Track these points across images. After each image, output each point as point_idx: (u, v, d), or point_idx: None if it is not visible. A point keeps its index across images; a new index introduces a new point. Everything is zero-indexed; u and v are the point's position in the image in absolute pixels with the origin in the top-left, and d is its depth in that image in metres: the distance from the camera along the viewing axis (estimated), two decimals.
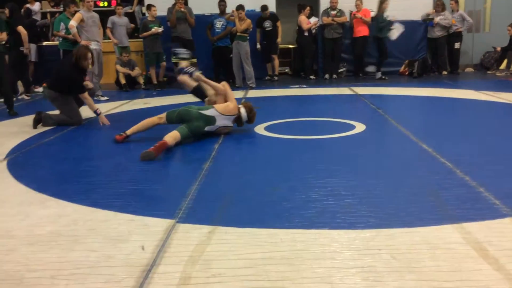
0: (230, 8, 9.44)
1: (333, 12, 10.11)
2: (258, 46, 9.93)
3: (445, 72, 10.22)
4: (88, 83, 6.05)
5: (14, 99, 7.45)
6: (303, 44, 10.20)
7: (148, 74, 9.89)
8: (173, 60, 9.44)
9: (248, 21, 9.06)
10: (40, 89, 9.16)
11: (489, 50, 10.73)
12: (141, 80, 9.56)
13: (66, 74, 5.71)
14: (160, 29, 9.08)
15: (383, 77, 9.69)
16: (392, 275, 2.08)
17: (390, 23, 9.58)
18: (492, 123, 5.38)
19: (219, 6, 9.71)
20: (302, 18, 9.97)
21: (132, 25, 10.19)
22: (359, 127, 5.14)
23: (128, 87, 9.26)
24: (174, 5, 9.43)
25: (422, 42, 10.49)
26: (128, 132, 4.83)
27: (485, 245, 2.32)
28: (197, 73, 5.53)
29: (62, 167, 4.07)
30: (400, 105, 6.81)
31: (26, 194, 3.34)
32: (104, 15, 11.43)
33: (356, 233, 2.50)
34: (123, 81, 9.26)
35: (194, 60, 9.33)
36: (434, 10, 10.14)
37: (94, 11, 10.73)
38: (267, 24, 9.82)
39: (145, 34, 9.17)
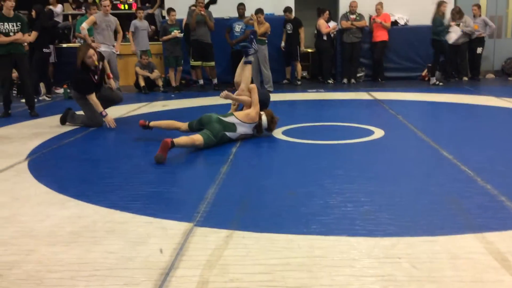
0: (249, 11, 9.47)
1: (352, 16, 10.08)
2: (282, 44, 9.89)
3: (465, 78, 10.09)
4: (112, 82, 6.09)
5: (36, 100, 7.57)
6: (322, 48, 10.18)
7: (167, 76, 9.97)
8: (192, 63, 9.51)
9: (267, 24, 9.07)
10: (60, 90, 9.30)
11: (510, 56, 10.57)
12: (160, 83, 9.63)
13: (74, 75, 5.86)
14: (180, 34, 9.15)
15: (438, 82, 9.40)
16: (412, 284, 2.05)
17: (448, 26, 9.43)
18: None
19: (238, 9, 9.74)
20: (321, 22, 9.95)
21: (152, 27, 10.28)
22: (378, 133, 5.10)
23: (147, 90, 9.34)
24: (192, 6, 9.52)
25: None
26: (151, 124, 4.98)
27: (507, 255, 2.28)
28: (251, 58, 5.59)
29: (82, 168, 4.12)
30: (420, 111, 6.74)
31: (46, 195, 3.39)
32: (125, 18, 11.60)
33: (375, 240, 2.47)
34: (142, 83, 9.34)
35: (212, 63, 9.40)
36: (452, 21, 9.96)
37: (115, 14, 10.88)
38: (288, 27, 9.82)
39: (165, 38, 9.26)
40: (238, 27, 9.66)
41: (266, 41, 9.19)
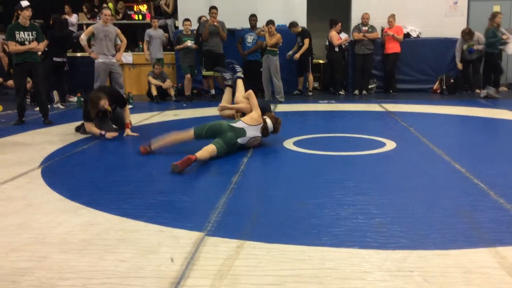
0: (261, 23, 9.53)
1: (365, 28, 10.09)
2: (289, 53, 9.85)
3: (478, 91, 10.03)
4: (128, 132, 5.92)
5: (49, 107, 7.66)
6: (333, 60, 10.21)
7: (179, 86, 10.05)
8: (204, 73, 9.58)
9: (278, 35, 9.12)
10: (74, 99, 9.40)
11: None
12: (172, 92, 9.70)
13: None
14: (193, 45, 9.23)
15: (492, 94, 9.25)
16: None
17: (501, 38, 9.40)
18: None
19: (250, 21, 9.82)
20: (333, 33, 9.98)
21: (166, 34, 10.38)
22: (390, 145, 5.09)
23: (159, 99, 9.41)
24: (203, 16, 9.61)
25: (454, 59, 10.33)
26: (153, 146, 4.88)
27: None
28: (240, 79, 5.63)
29: (95, 176, 4.15)
30: (432, 123, 6.70)
31: (59, 202, 3.42)
32: (139, 28, 11.74)
33: (387, 253, 2.46)
34: (154, 92, 9.41)
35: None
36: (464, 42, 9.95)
37: (129, 24, 11.01)
38: (298, 39, 9.87)
39: (178, 47, 9.38)
40: (250, 38, 9.72)
41: (278, 52, 9.24)
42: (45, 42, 8.27)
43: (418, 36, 10.49)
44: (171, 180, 3.98)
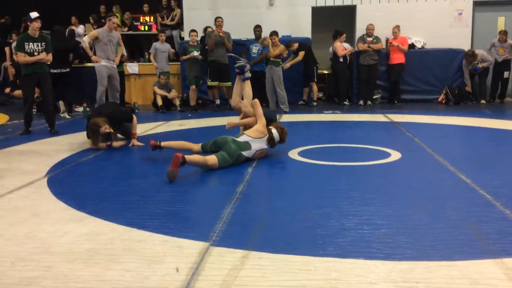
0: (266, 34, 9.57)
1: (369, 39, 10.13)
2: (286, 65, 9.72)
3: (483, 101, 10.03)
4: (135, 142, 5.97)
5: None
6: (338, 70, 10.23)
7: (184, 96, 10.10)
8: (209, 83, 9.64)
9: (282, 46, 9.16)
10: (80, 109, 9.45)
11: None
12: (177, 102, 9.74)
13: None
14: (199, 56, 9.29)
15: None
16: None
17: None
18: None
19: (254, 32, 9.88)
20: (337, 44, 10.02)
21: (173, 50, 10.48)
22: (395, 155, 5.08)
23: (165, 109, 9.45)
24: (208, 27, 9.67)
25: (459, 70, 10.35)
26: (163, 144, 4.98)
27: None
28: (248, 74, 5.63)
29: (100, 186, 4.17)
30: (437, 134, 6.69)
31: (65, 211, 3.43)
32: (145, 39, 11.83)
33: (393, 264, 2.45)
34: (160, 102, 9.46)
35: (229, 83, 9.52)
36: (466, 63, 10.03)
37: (135, 35, 11.10)
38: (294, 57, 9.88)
39: (184, 57, 9.45)
40: (255, 49, 9.77)
41: (281, 63, 9.27)
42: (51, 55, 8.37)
43: (422, 47, 10.51)
44: (176, 190, 3.99)
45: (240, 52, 9.84)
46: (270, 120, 5.27)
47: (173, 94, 9.70)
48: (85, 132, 6.37)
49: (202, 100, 10.27)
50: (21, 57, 6.83)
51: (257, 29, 9.86)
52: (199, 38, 9.78)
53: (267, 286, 2.25)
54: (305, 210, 3.35)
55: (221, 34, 9.15)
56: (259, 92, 9.66)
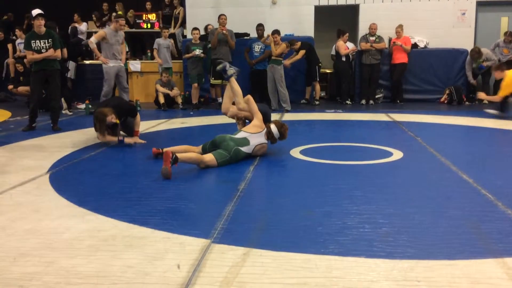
0: (269, 32, 9.57)
1: (372, 38, 10.12)
2: (286, 62, 9.62)
3: (486, 101, 10.01)
4: (137, 140, 5.93)
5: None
6: (340, 69, 10.23)
7: (186, 94, 10.10)
8: (212, 81, 9.65)
9: (283, 45, 9.15)
10: (82, 106, 9.47)
11: None
12: (179, 100, 9.75)
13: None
14: (202, 54, 9.29)
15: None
16: None
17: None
18: None
19: (257, 30, 9.87)
20: (340, 43, 10.02)
21: (172, 40, 10.48)
22: (397, 155, 5.08)
23: (167, 107, 9.46)
24: (209, 25, 9.67)
25: (462, 70, 10.34)
26: (165, 149, 4.68)
27: None
28: (232, 77, 5.47)
29: (102, 182, 4.17)
30: (439, 134, 6.68)
31: (66, 208, 3.44)
32: (147, 37, 11.84)
33: (394, 263, 2.45)
34: (162, 100, 9.47)
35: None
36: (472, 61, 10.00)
37: (138, 32, 11.11)
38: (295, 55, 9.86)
39: (187, 55, 9.44)
40: (257, 47, 9.77)
41: (282, 62, 9.25)
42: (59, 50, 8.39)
43: (425, 47, 10.50)
44: (178, 187, 3.99)
45: (242, 50, 9.86)
46: (265, 114, 5.28)
47: (175, 92, 9.71)
48: (87, 129, 6.42)
49: (204, 98, 10.28)
50: (29, 55, 6.84)
51: (260, 27, 9.86)
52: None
53: (268, 283, 2.25)
54: (306, 208, 3.35)
55: (224, 31, 9.15)
56: (262, 91, 9.68)
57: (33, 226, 3.07)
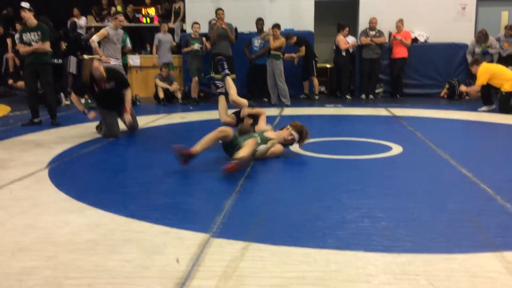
0: (268, 27, 9.55)
1: (372, 33, 10.10)
2: (287, 56, 9.63)
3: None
4: (128, 117, 6.01)
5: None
6: (340, 64, 10.21)
7: (186, 89, 10.09)
8: (212, 76, 9.62)
9: (282, 39, 9.12)
10: (82, 101, 9.44)
11: None
12: (179, 95, 9.74)
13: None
14: (205, 45, 9.24)
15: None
16: None
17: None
18: None
19: (256, 25, 9.85)
20: (340, 38, 10.00)
21: (174, 43, 10.46)
22: (396, 149, 5.08)
23: (166, 101, 9.45)
24: (213, 20, 9.63)
25: (462, 65, 10.32)
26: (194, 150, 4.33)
27: None
28: (221, 93, 5.59)
29: (101, 177, 4.18)
30: (439, 128, 6.68)
31: (66, 202, 3.44)
32: (146, 31, 11.81)
33: (392, 256, 2.45)
34: (161, 95, 9.46)
35: (233, 76, 9.48)
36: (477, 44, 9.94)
37: (137, 27, 11.06)
38: (296, 48, 9.84)
39: (186, 49, 9.42)
40: (257, 42, 9.76)
41: (281, 56, 9.22)
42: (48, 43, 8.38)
43: (425, 41, 10.48)
44: (177, 182, 3.99)
45: (243, 44, 9.84)
46: (246, 131, 5.11)
47: (174, 86, 9.70)
48: (86, 124, 6.42)
49: (204, 93, 10.27)
50: (21, 48, 6.82)
51: (259, 22, 9.84)
52: (202, 31, 9.75)
53: (267, 277, 2.26)
54: (305, 203, 3.36)
55: (223, 26, 9.12)
56: (261, 85, 9.67)
57: (32, 220, 3.07)
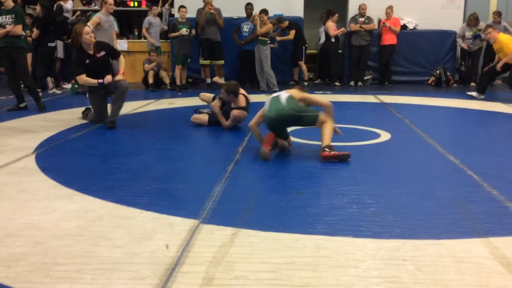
0: (258, 12, 9.47)
1: (361, 19, 10.08)
2: (274, 35, 9.53)
3: (473, 84, 10.07)
4: (119, 77, 5.76)
5: (41, 93, 7.56)
6: (329, 50, 10.18)
7: (174, 74, 10.01)
8: (201, 62, 9.55)
9: (270, 25, 9.03)
10: (68, 86, 9.35)
11: None
12: (167, 80, 9.66)
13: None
14: (185, 32, 9.13)
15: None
16: (417, 286, 2.05)
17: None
18: None
19: (246, 9, 9.77)
20: (329, 24, 9.95)
21: (165, 27, 10.34)
22: (384, 136, 5.10)
23: (155, 87, 9.37)
24: (204, 7, 9.51)
25: (450, 52, 10.36)
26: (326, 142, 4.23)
27: None
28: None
29: (89, 163, 4.14)
30: (426, 115, 6.72)
31: (53, 188, 3.41)
32: (134, 15, 11.64)
33: (380, 242, 2.47)
34: (151, 80, 9.37)
35: (221, 62, 9.44)
36: (467, 27, 9.96)
37: (125, 11, 10.90)
38: (287, 31, 9.78)
39: (173, 34, 9.29)
40: (246, 27, 9.68)
41: (268, 42, 9.14)
42: (37, 32, 8.25)
43: (414, 28, 10.49)
44: (166, 167, 3.98)
45: (231, 31, 9.76)
46: (233, 92, 5.35)
47: (162, 72, 9.61)
48: (73, 109, 6.37)
49: (192, 79, 10.20)
50: None
51: (248, 6, 9.76)
52: (191, 16, 9.63)
53: (256, 263, 2.27)
54: (295, 189, 3.37)
55: (212, 11, 9.03)
56: (251, 71, 9.62)
57: (19, 206, 3.04)
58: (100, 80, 5.54)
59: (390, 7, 10.05)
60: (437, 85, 10.08)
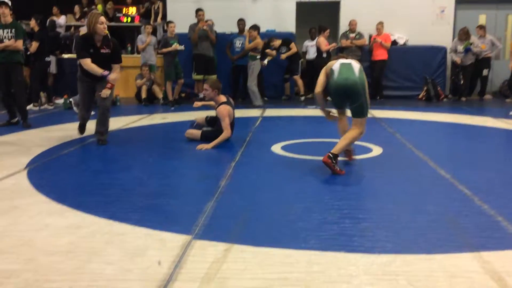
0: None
1: (352, 35, 10.19)
2: (264, 61, 9.49)
3: (463, 98, 10.17)
4: (107, 92, 5.47)
5: (38, 108, 7.54)
6: (321, 66, 10.22)
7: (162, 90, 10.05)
8: (194, 77, 9.59)
9: (258, 41, 9.09)
10: (61, 101, 9.33)
11: (507, 78, 10.68)
12: (160, 95, 9.68)
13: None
14: (181, 47, 9.19)
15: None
16: None
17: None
18: (511, 152, 5.32)
19: (238, 25, 9.85)
20: (321, 39, 10.05)
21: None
22: (376, 150, 5.14)
23: (148, 102, 9.38)
24: (196, 23, 9.56)
25: (441, 67, 10.49)
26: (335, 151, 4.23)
27: (503, 275, 2.29)
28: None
29: (81, 179, 4.13)
30: (418, 130, 6.78)
31: (45, 204, 3.39)
32: (127, 31, 11.70)
33: (373, 257, 2.48)
34: (144, 95, 9.39)
35: (214, 76, 9.47)
36: (459, 41, 10.10)
37: (118, 27, 10.93)
38: (283, 50, 9.86)
39: (164, 50, 9.30)
40: (238, 42, 9.75)
41: (258, 57, 9.19)
42: (36, 44, 8.23)
43: (405, 44, 10.62)
44: (158, 183, 3.97)
45: (225, 46, 9.82)
46: (217, 88, 5.45)
47: (155, 87, 9.64)
48: (65, 125, 6.33)
49: (185, 93, 10.22)
50: None
51: (241, 22, 9.84)
52: (182, 32, 9.69)
53: (249, 279, 2.27)
54: (287, 204, 3.37)
55: (205, 27, 9.10)
56: (243, 86, 9.66)
57: (11, 222, 3.02)
58: (105, 72, 5.32)
59: (381, 23, 10.17)
60: (427, 99, 10.17)
